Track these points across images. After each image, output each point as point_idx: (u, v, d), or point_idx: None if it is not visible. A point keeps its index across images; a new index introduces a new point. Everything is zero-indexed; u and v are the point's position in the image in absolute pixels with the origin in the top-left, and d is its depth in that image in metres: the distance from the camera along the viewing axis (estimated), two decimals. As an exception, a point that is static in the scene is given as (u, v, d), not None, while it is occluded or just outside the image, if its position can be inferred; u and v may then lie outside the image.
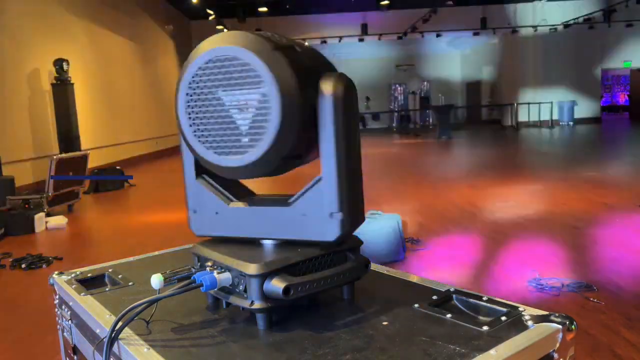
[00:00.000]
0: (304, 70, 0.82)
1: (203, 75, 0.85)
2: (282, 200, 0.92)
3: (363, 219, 0.92)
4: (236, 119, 0.83)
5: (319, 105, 0.83)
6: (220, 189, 0.96)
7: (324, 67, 0.90)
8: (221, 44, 0.83)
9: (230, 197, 0.95)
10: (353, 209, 0.87)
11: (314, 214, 0.87)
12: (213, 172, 0.96)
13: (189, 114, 0.88)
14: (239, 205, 0.94)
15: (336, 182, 0.85)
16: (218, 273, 0.87)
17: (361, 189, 0.91)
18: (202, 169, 0.96)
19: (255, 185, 7.37)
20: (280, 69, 0.80)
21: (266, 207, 0.91)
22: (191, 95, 0.87)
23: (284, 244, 0.93)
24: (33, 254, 4.14)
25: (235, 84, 0.82)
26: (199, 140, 0.88)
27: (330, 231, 0.86)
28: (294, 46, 0.85)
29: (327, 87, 0.83)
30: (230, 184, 0.98)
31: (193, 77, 0.86)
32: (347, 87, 0.85)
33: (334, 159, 0.84)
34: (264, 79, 0.80)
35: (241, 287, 0.86)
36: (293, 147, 0.83)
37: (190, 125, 0.88)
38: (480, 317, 0.88)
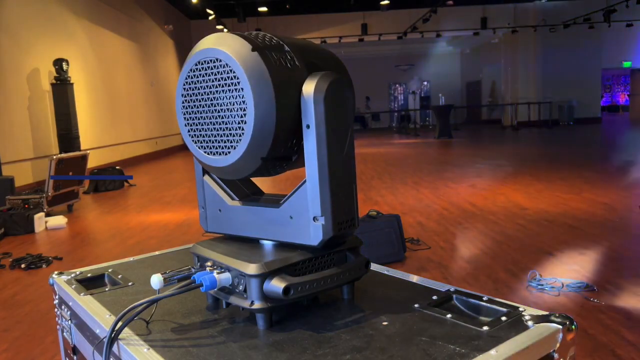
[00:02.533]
0: (288, 71, 0.82)
1: (194, 76, 0.87)
2: (275, 201, 0.92)
3: (354, 224, 0.89)
4: (220, 119, 0.85)
5: (307, 105, 0.82)
6: (224, 186, 0.97)
7: (325, 66, 0.89)
8: (208, 45, 0.84)
9: (233, 195, 0.96)
10: (338, 214, 0.85)
11: (300, 217, 0.86)
12: None
13: (184, 113, 0.90)
14: (236, 203, 0.95)
15: (318, 186, 0.83)
16: (218, 273, 0.87)
17: (351, 192, 0.88)
18: None
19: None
20: (255, 70, 0.79)
21: (258, 207, 0.92)
22: (185, 96, 0.89)
23: (283, 244, 0.93)
24: (33, 254, 4.14)
25: (218, 85, 0.84)
26: (192, 140, 0.90)
27: (313, 235, 0.85)
28: (281, 46, 0.84)
29: (308, 87, 0.82)
30: (238, 182, 0.99)
31: (186, 78, 0.88)
32: (333, 87, 0.82)
33: (316, 162, 0.82)
34: (241, 80, 0.80)
35: (241, 287, 0.85)
36: (275, 148, 0.83)
37: (185, 125, 0.90)
38: (481, 317, 0.88)
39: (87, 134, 9.85)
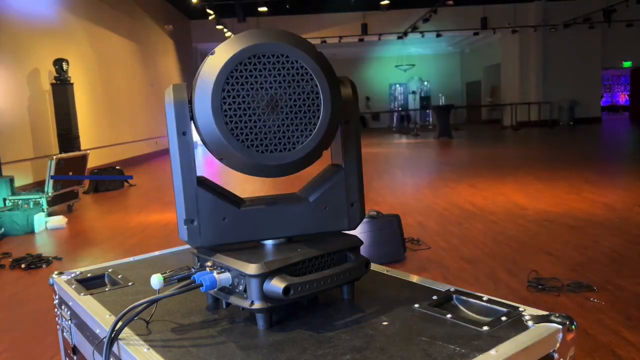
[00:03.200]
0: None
1: (245, 70, 0.81)
2: (295, 198, 0.94)
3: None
4: (283, 115, 0.83)
5: (346, 103, 0.91)
6: (225, 194, 0.94)
7: None
8: (264, 39, 0.82)
9: (236, 201, 0.94)
10: (364, 198, 0.96)
11: (335, 206, 0.93)
12: (205, 178, 0.96)
13: (225, 111, 0.82)
14: (254, 208, 0.92)
15: (357, 174, 0.93)
16: (218, 273, 0.87)
17: None
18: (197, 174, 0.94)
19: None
20: (328, 67, 0.85)
21: (283, 206, 0.92)
22: (229, 92, 0.82)
23: (284, 244, 0.93)
24: (33, 254, 4.14)
25: (283, 81, 0.83)
26: (237, 139, 0.83)
27: (351, 220, 0.94)
28: None
29: (350, 87, 0.92)
30: (222, 190, 0.97)
31: (232, 72, 0.81)
32: (356, 87, 0.94)
33: (355, 152, 0.93)
34: (315, 76, 0.83)
35: (241, 287, 0.86)
36: (331, 141, 0.89)
37: (227, 124, 0.82)
38: (480, 317, 0.88)
39: (87, 134, 9.85)
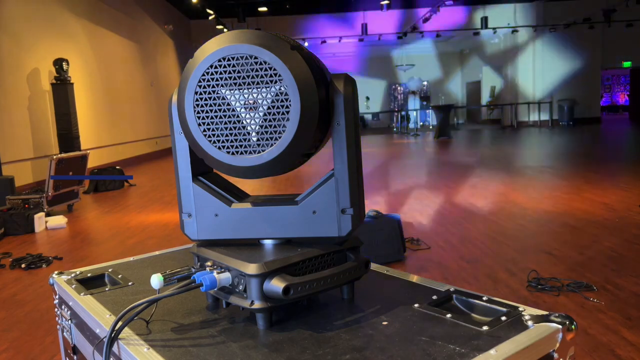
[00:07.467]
0: (315, 70, 0.83)
1: (215, 73, 0.83)
2: (287, 199, 0.92)
3: (364, 216, 0.94)
4: (252, 117, 0.83)
5: (333, 104, 0.86)
6: (220, 191, 0.95)
7: (324, 68, 0.91)
8: (235, 41, 0.81)
9: (231, 198, 0.94)
10: (361, 205, 0.90)
11: (325, 211, 0.89)
12: (209, 174, 0.96)
13: (198, 112, 0.84)
14: (242, 206, 0.92)
15: (348, 179, 0.88)
16: (218, 273, 0.87)
17: (362, 184, 0.93)
18: (197, 171, 0.94)
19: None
20: (299, 67, 0.80)
21: (272, 206, 0.91)
22: (201, 94, 0.84)
23: (284, 244, 0.93)
24: (33, 254, 4.14)
25: (252, 82, 0.82)
26: (209, 140, 0.85)
27: (342, 227, 0.88)
28: (303, 47, 0.86)
29: (341, 86, 0.86)
30: (225, 186, 0.98)
31: (203, 74, 0.83)
32: (355, 87, 0.88)
33: (347, 156, 0.87)
34: (284, 77, 0.80)
35: (241, 287, 0.86)
36: (311, 145, 0.84)
37: (200, 125, 0.85)
38: (480, 317, 0.88)
39: (87, 134, 9.85)
